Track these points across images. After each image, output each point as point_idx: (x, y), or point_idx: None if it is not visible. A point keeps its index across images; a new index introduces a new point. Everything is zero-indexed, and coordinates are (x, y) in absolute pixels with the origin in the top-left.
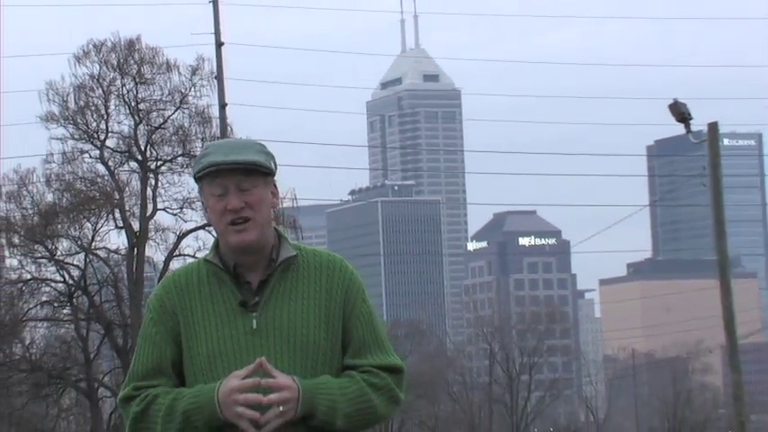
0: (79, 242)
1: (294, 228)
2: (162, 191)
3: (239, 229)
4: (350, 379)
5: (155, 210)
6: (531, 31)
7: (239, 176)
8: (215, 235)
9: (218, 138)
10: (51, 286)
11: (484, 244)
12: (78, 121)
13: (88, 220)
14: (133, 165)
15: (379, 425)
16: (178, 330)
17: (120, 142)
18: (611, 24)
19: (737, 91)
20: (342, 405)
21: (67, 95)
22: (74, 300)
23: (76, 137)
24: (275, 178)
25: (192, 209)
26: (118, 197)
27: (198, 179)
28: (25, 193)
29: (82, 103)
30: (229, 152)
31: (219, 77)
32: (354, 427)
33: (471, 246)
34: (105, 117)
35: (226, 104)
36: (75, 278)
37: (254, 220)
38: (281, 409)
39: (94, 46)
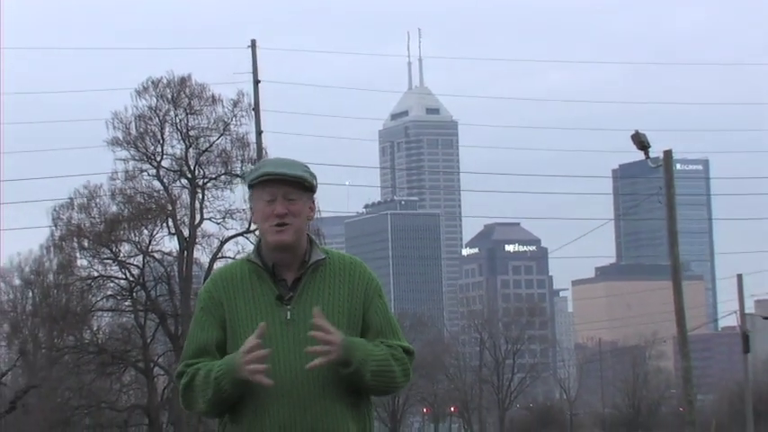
0: (138, 246)
1: (318, 236)
2: (207, 203)
3: (279, 230)
4: (378, 346)
5: (201, 219)
6: (518, 73)
7: (286, 187)
8: (252, 241)
9: (255, 160)
10: (115, 282)
11: (476, 250)
12: (138, 145)
13: (146, 228)
14: (184, 182)
15: (389, 399)
16: (224, 318)
17: (173, 163)
18: (588, 68)
19: (689, 124)
20: (372, 362)
21: (130, 124)
22: (133, 294)
23: (137, 158)
24: (315, 195)
25: (233, 219)
26: (171, 208)
27: (251, 186)
28: (93, 205)
29: (141, 130)
30: (280, 166)
31: (256, 109)
32: (376, 386)
33: (465, 251)
34: (161, 142)
35: (261, 132)
36: (135, 276)
37: (292, 224)
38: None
39: (152, 83)
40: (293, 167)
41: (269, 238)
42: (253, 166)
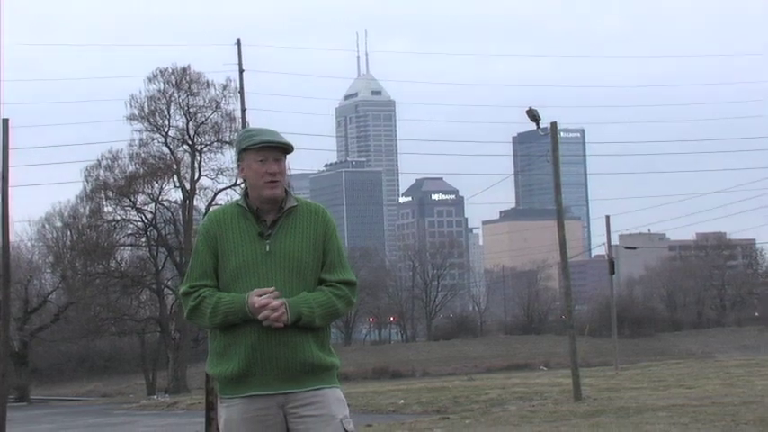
0: (151, 196)
1: (288, 188)
2: (204, 164)
3: (273, 186)
4: (322, 293)
5: (199, 176)
6: (449, 65)
7: (276, 152)
8: (238, 192)
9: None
10: (133, 224)
11: (409, 198)
12: (150, 119)
13: (157, 182)
14: (185, 147)
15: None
16: (217, 249)
17: (177, 133)
18: (504, 60)
19: (569, 101)
20: (317, 311)
21: (144, 103)
22: (148, 233)
23: (149, 129)
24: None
25: (224, 175)
26: (176, 168)
27: (245, 149)
28: (116, 165)
29: (153, 107)
30: (273, 136)
31: (241, 92)
32: (326, 322)
33: (401, 200)
34: (168, 117)
35: (245, 109)
36: (149, 219)
37: (281, 181)
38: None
39: (160, 71)
40: (279, 136)
41: (265, 193)
42: (241, 133)
